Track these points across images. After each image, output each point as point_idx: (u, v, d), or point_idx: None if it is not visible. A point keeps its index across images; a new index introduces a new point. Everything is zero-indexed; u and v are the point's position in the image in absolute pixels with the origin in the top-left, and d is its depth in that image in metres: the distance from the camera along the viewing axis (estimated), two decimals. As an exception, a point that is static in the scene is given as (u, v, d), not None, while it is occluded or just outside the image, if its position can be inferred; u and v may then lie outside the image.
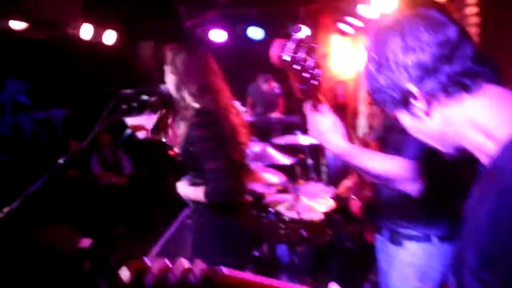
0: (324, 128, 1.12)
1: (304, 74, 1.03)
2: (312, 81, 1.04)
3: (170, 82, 1.58)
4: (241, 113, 1.62)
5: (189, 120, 1.51)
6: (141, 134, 1.78)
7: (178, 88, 1.55)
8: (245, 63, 5.17)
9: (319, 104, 1.08)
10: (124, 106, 1.35)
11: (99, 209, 3.93)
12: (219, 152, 1.43)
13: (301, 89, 1.05)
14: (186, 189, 1.59)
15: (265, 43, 5.46)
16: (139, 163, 4.58)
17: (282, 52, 1.02)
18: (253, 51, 5.55)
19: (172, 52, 1.58)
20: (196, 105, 1.54)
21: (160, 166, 4.10)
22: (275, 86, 5.49)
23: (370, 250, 1.57)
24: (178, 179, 1.68)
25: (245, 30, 5.33)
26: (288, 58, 1.01)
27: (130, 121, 1.71)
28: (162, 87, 1.57)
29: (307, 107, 1.11)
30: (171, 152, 1.79)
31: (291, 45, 1.03)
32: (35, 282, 2.48)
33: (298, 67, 1.02)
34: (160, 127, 1.65)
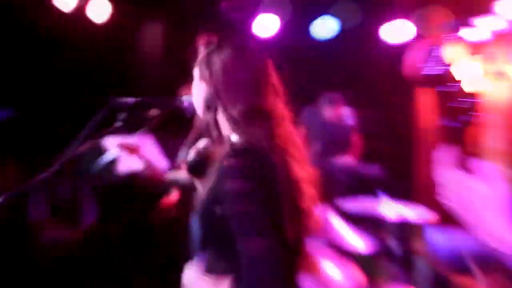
0: (479, 199, 1.08)
1: (463, 104, 0.84)
2: (471, 115, 0.85)
3: (197, 94, 1.65)
4: (310, 160, 1.65)
5: (221, 162, 1.51)
6: (130, 164, 1.89)
7: (210, 105, 1.59)
8: (302, 73, 5.11)
9: (474, 156, 0.97)
10: (118, 123, 1.45)
11: (35, 275, 3.95)
12: (264, 224, 1.41)
13: (452, 127, 0.85)
14: (197, 278, 1.56)
15: (338, 44, 5.53)
16: (110, 213, 4.65)
17: (434, 61, 0.79)
18: (318, 55, 5.54)
19: (208, 47, 1.64)
20: (236, 138, 1.57)
21: (146, 222, 4.15)
22: (346, 114, 5.35)
23: None
24: (178, 255, 1.82)
25: (308, 21, 5.35)
26: (438, 72, 0.82)
27: (115, 141, 1.78)
28: (184, 99, 1.65)
29: (451, 157, 0.97)
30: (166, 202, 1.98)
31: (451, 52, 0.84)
32: None
33: (456, 90, 0.85)
34: (203, 161, 1.67)
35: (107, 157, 1.78)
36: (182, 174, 2.57)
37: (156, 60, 5.58)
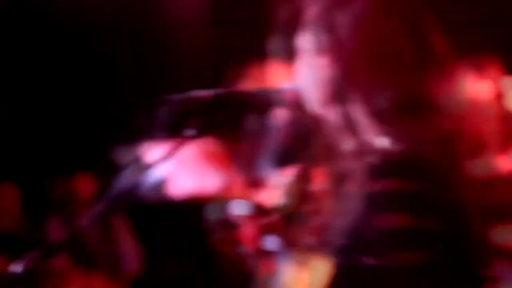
0: None
1: None
2: None
3: (310, 78, 1.61)
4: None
5: (362, 183, 1.46)
6: (203, 180, 2.02)
7: (339, 94, 1.54)
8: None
9: None
10: (190, 129, 1.56)
11: None
12: (453, 277, 1.41)
13: None
14: None
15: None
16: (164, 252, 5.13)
17: None
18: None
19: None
20: (387, 144, 1.49)
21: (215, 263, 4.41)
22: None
23: None
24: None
25: None
26: None
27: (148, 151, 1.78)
28: (286, 87, 1.71)
29: None
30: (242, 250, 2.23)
31: None
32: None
33: None
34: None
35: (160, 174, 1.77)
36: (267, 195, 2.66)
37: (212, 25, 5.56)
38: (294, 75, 1.68)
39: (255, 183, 3.22)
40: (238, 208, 3.43)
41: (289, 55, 1.71)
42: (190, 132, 1.58)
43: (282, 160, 3.23)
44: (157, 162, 1.74)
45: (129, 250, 4.93)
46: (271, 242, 2.62)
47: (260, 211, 2.83)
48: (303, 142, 2.40)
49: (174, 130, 1.71)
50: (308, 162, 2.16)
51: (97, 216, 1.53)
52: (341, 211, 1.52)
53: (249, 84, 3.20)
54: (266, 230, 2.91)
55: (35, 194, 4.98)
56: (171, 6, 5.96)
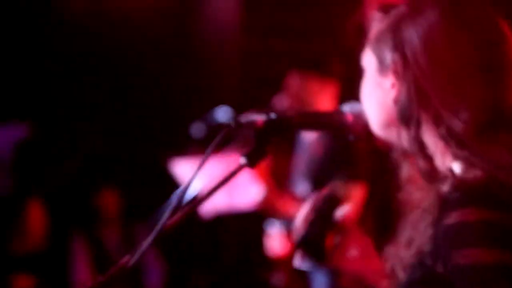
0: None
1: None
2: None
3: (375, 98, 1.55)
4: None
5: (432, 211, 1.38)
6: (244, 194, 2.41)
7: (408, 115, 1.47)
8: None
9: None
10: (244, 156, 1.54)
11: None
12: None
13: None
14: None
15: None
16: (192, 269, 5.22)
17: None
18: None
19: (390, 14, 1.51)
20: (463, 169, 1.40)
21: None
22: None
23: None
24: None
25: None
26: None
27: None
28: (346, 108, 1.66)
29: None
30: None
31: None
32: None
33: None
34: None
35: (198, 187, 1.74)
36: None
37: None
38: (357, 96, 1.59)
39: (291, 199, 3.12)
40: (272, 226, 3.34)
41: (350, 74, 1.61)
42: (242, 160, 1.50)
43: (317, 177, 3.12)
44: (204, 188, 1.66)
45: (152, 265, 4.91)
46: (304, 260, 2.49)
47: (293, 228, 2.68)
48: (340, 160, 2.22)
49: (221, 152, 1.68)
50: (344, 179, 2.04)
51: (142, 256, 1.44)
52: (410, 242, 1.42)
53: (292, 100, 3.06)
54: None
55: (60, 211, 4.95)
56: (211, 23, 5.93)
